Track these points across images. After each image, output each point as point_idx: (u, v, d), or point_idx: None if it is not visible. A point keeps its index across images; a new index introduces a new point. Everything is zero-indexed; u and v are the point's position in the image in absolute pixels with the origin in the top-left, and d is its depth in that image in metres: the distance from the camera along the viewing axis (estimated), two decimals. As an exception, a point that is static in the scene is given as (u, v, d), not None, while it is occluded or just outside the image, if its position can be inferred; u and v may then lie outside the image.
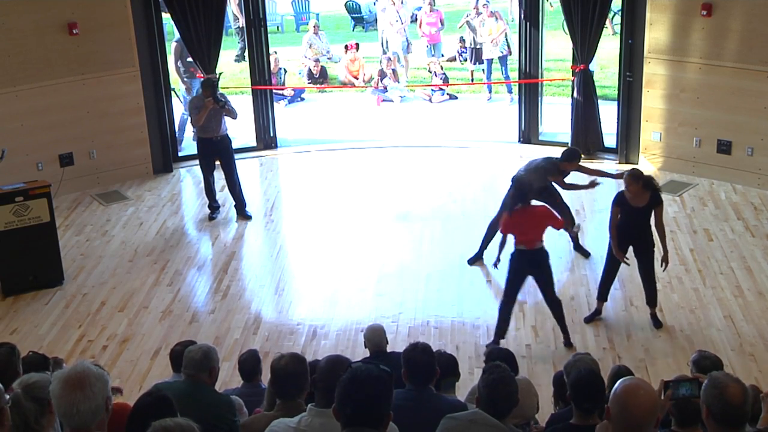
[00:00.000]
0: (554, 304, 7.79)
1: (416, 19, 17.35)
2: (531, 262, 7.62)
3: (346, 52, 16.57)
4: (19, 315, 8.63)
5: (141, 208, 11.04)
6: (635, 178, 7.79)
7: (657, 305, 8.15)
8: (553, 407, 5.82)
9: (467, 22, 15.87)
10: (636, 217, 7.87)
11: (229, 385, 6.85)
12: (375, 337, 6.16)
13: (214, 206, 10.71)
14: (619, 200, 7.93)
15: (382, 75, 15.59)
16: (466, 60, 16.45)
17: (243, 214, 10.64)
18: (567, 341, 7.83)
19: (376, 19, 18.44)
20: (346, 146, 13.04)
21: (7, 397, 3.57)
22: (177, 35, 12.29)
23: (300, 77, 16.61)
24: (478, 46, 15.64)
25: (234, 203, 10.69)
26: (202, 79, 11.04)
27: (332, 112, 15.16)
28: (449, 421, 4.18)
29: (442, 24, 16.76)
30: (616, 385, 3.36)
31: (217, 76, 10.65)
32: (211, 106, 9.97)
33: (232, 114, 10.26)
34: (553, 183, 9.02)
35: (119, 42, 11.28)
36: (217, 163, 10.56)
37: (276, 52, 15.52)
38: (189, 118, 10.95)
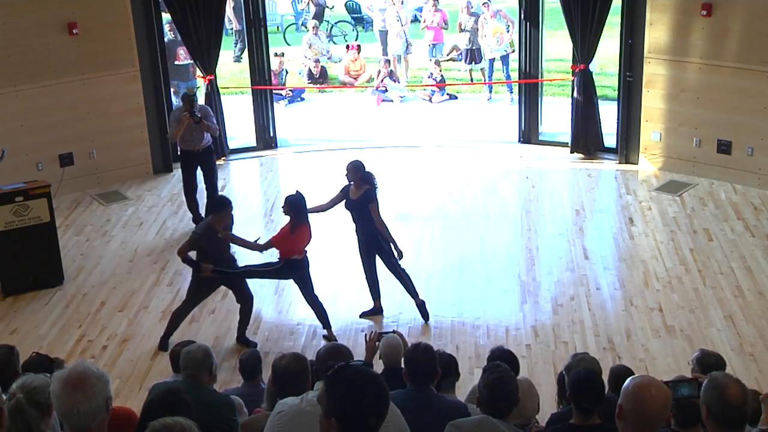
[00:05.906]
0: None
1: (417, 19, 17.27)
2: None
3: (347, 51, 16.56)
4: (19, 315, 8.63)
5: (141, 208, 11.04)
6: (350, 168, 8.09)
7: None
8: (556, 406, 5.82)
9: (459, 23, 15.83)
10: (353, 211, 8.20)
11: (229, 385, 6.85)
12: (394, 349, 5.65)
13: (198, 221, 10.56)
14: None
15: (382, 75, 15.58)
16: (461, 60, 16.41)
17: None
18: None
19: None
20: (346, 146, 13.02)
21: (4, 397, 3.57)
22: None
23: (300, 77, 16.61)
24: (473, 47, 15.60)
25: (207, 204, 10.35)
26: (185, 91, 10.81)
27: (332, 112, 15.15)
28: (453, 429, 4.09)
29: (446, 25, 16.71)
30: (626, 383, 3.36)
31: (195, 90, 10.47)
32: (187, 121, 9.86)
33: (212, 129, 10.03)
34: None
35: (119, 42, 11.27)
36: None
37: (283, 54, 15.54)
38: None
